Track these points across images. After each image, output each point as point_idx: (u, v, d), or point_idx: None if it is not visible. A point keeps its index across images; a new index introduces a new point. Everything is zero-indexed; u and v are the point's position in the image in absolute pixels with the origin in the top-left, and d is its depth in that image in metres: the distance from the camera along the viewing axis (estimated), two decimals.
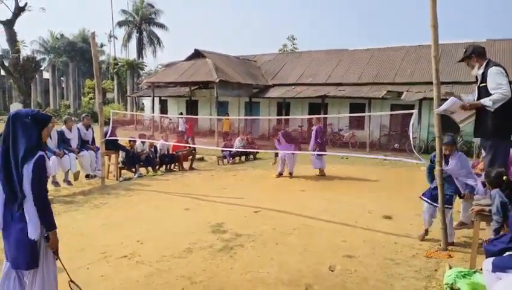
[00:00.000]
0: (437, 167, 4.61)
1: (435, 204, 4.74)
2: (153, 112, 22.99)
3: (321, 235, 5.18)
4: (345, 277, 3.88)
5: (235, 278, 3.84)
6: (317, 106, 18.37)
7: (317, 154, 9.50)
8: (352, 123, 18.68)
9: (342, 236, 5.11)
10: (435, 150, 4.66)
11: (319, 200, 7.25)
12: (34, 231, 2.52)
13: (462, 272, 3.46)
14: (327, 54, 22.41)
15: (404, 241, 4.94)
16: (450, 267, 3.82)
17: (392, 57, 19.91)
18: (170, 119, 23.45)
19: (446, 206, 4.63)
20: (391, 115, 17.23)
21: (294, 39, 37.18)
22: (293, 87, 20.09)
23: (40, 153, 2.56)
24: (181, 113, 21.06)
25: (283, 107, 19.72)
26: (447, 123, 4.71)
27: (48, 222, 2.58)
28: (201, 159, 12.71)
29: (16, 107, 26.68)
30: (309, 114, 19.00)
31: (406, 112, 7.07)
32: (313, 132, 9.74)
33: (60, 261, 2.78)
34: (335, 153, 12.70)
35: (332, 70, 20.45)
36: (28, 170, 2.49)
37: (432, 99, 4.98)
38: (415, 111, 5.84)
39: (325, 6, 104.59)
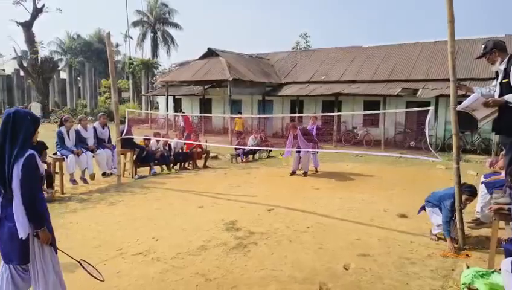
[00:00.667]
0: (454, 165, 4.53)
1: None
2: (167, 111, 23.21)
3: (335, 233, 5.16)
4: (360, 275, 3.86)
5: (249, 275, 3.86)
6: (331, 104, 18.23)
7: (314, 152, 9.80)
8: (366, 121, 18.47)
9: (357, 235, 5.07)
10: (452, 148, 4.58)
11: (333, 198, 7.21)
12: (21, 230, 2.54)
13: (480, 271, 3.39)
14: (341, 51, 22.21)
15: (420, 241, 4.87)
16: (468, 267, 3.75)
17: (408, 53, 19.60)
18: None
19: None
20: (406, 112, 16.97)
21: (307, 37, 37.02)
22: (307, 85, 19.98)
23: (30, 151, 2.60)
24: (179, 111, 21.22)
25: (296, 105, 19.63)
26: (464, 120, 4.62)
27: (35, 220, 2.58)
28: (215, 158, 12.77)
29: (34, 106, 27.30)
30: (322, 112, 18.88)
31: (422, 109, 6.95)
32: (313, 131, 9.86)
33: (61, 250, 2.83)
34: (349, 151, 12.60)
35: (346, 68, 20.26)
36: (17, 168, 2.51)
37: (448, 96, 4.86)
38: (431, 108, 5.73)
39: (338, 2, 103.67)
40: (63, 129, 7.91)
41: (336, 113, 15.85)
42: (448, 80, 4.69)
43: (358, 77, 19.12)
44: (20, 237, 2.53)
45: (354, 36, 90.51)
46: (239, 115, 18.42)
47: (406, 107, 16.21)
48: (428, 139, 6.73)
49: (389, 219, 5.84)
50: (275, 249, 4.55)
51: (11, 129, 2.57)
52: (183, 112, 21.11)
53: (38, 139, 7.73)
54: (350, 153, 12.20)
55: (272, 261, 4.20)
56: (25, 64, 27.13)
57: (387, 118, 16.87)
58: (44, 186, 6.79)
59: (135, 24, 41.60)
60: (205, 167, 11.07)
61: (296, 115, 18.28)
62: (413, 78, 17.63)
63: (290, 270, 3.97)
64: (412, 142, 15.96)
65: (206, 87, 21.82)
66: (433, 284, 3.68)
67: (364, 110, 17.98)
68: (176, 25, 42.49)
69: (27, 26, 27.95)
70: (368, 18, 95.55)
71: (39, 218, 2.61)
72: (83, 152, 7.99)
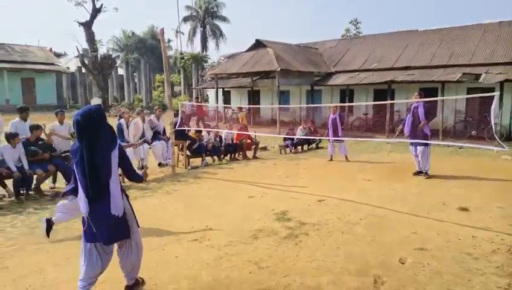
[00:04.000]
0: None
1: None
2: (217, 103, 23.71)
3: (390, 226, 5.00)
4: (417, 270, 3.72)
5: (301, 265, 3.88)
6: (383, 92, 17.49)
7: (339, 140, 10.30)
8: None
9: (413, 228, 4.88)
10: None
11: (386, 190, 6.98)
12: (116, 208, 2.95)
13: None
14: (394, 36, 21.17)
15: (483, 235, 4.58)
16: None
17: (468, 36, 18.21)
18: (233, 110, 24.04)
19: None
20: (467, 99, 15.83)
21: (357, 23, 35.69)
22: (357, 73, 19.35)
23: (117, 140, 3.09)
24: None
25: (346, 94, 19.11)
26: None
27: (137, 176, 3.47)
28: (264, 149, 12.87)
29: (95, 101, 29.24)
30: (374, 101, 18.19)
31: (485, 95, 6.43)
32: (337, 120, 10.26)
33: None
34: (402, 140, 12.07)
35: (400, 54, 19.29)
36: (115, 154, 2.95)
37: None
38: (496, 94, 5.31)
39: None
40: (123, 121, 8.40)
41: (388, 102, 15.23)
42: None
43: (414, 63, 18.14)
44: (116, 214, 2.94)
45: (409, 20, 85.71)
46: (242, 110, 17.02)
47: (467, 94, 15.15)
48: (494, 128, 6.26)
49: (449, 212, 5.54)
50: (327, 241, 4.52)
51: (95, 127, 2.86)
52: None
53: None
54: (404, 142, 11.67)
55: (323, 252, 4.18)
56: (86, 62, 29.04)
57: (446, 105, 15.88)
58: None
59: (185, 19, 42.71)
60: (254, 157, 11.21)
61: (346, 104, 17.78)
62: (474, 62, 16.38)
63: (343, 262, 3.93)
64: (473, 132, 14.91)
65: (254, 78, 21.95)
66: (499, 282, 3.45)
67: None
68: (224, 18, 43.02)
69: (87, 25, 29.79)
70: (424, 1, 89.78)
71: (137, 175, 3.45)
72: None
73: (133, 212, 3.25)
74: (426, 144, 7.67)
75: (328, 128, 10.64)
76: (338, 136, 10.22)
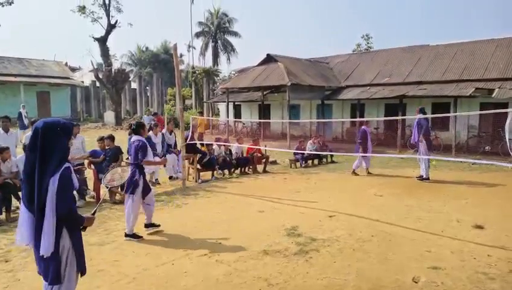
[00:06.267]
0: None
1: None
2: (228, 117, 23.84)
3: (402, 243, 4.90)
4: (430, 289, 3.63)
5: (312, 283, 3.82)
6: (394, 107, 17.39)
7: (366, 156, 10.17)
8: (435, 124, 17.31)
9: (426, 246, 4.77)
10: None
11: (399, 206, 6.87)
12: (43, 247, 2.42)
13: None
14: (405, 51, 21.15)
15: (499, 254, 4.45)
16: None
17: (481, 51, 18.08)
18: (243, 124, 24.15)
19: None
20: (481, 114, 15.62)
21: (369, 38, 35.78)
22: (368, 88, 19.31)
23: (67, 164, 2.49)
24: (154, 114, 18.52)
25: (357, 109, 19.04)
26: None
27: (75, 224, 2.58)
28: (274, 162, 12.84)
29: (109, 115, 29.68)
30: (385, 116, 18.07)
31: (500, 111, 6.34)
32: (368, 134, 10.38)
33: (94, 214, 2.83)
34: (414, 156, 11.92)
35: (412, 68, 19.22)
36: (53, 182, 2.39)
37: None
38: (511, 110, 5.23)
39: (401, 1, 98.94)
40: (151, 134, 8.49)
41: (400, 117, 15.11)
42: None
43: (425, 78, 18.05)
44: (40, 253, 2.43)
45: (420, 35, 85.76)
46: (200, 117, 16.91)
47: (480, 109, 14.97)
48: (508, 144, 6.15)
49: (463, 230, 5.42)
50: (338, 257, 4.45)
51: (41, 146, 2.43)
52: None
53: (115, 144, 8.22)
54: (416, 158, 11.53)
55: (334, 270, 4.11)
56: (100, 76, 29.63)
57: (458, 120, 15.69)
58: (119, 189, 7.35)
59: (198, 35, 43.46)
60: (265, 171, 11.18)
61: (357, 119, 17.70)
62: (487, 77, 16.22)
63: (355, 280, 3.85)
64: (487, 147, 14.65)
65: (265, 93, 22.08)
66: None
67: (433, 112, 16.84)
68: (235, 34, 43.65)
69: (102, 41, 30.52)
70: (435, 15, 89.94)
71: (77, 221, 2.59)
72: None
73: (79, 257, 2.62)
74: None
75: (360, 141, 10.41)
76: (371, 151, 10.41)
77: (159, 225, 5.56)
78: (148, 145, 5.39)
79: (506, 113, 5.20)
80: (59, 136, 2.50)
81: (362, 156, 10.04)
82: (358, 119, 17.58)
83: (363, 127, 10.51)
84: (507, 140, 6.04)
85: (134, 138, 5.42)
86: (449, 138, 15.58)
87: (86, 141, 8.29)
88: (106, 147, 7.70)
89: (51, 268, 2.50)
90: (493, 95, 14.50)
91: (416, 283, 3.78)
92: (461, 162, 11.69)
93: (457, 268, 4.10)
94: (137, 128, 5.50)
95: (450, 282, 3.76)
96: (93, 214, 2.82)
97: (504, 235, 5.12)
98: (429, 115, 16.84)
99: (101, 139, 7.86)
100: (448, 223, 5.77)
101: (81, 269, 2.67)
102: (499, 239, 4.97)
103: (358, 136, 10.56)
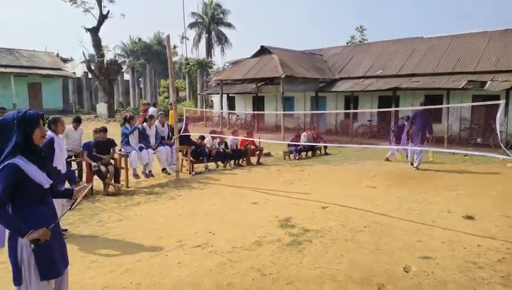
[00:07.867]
0: None
1: None
2: (221, 109, 23.78)
3: (394, 234, 4.97)
4: (421, 278, 3.69)
5: (304, 272, 3.86)
6: (388, 99, 17.48)
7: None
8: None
9: (417, 236, 4.84)
10: None
11: (391, 197, 6.94)
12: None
13: None
14: (399, 43, 21.17)
15: (488, 244, 4.54)
16: None
17: (474, 43, 18.16)
18: (237, 116, 24.10)
19: None
20: (473, 107, 15.75)
21: (363, 30, 35.76)
22: (362, 80, 19.35)
23: (10, 161, 2.28)
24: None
25: (351, 101, 19.09)
26: None
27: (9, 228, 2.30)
28: (268, 155, 12.86)
29: (101, 107, 29.41)
30: (379, 108, 18.15)
31: (491, 103, 6.41)
32: (405, 129, 10.59)
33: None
34: (407, 147, 12.00)
35: (405, 61, 19.28)
36: None
37: None
38: (502, 102, 5.29)
39: None
40: (129, 126, 8.46)
41: (393, 109, 15.18)
42: None
43: (419, 70, 18.12)
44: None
45: (414, 28, 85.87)
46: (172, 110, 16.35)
47: (472, 101, 15.08)
48: (499, 136, 6.22)
49: (454, 220, 5.50)
50: (330, 248, 4.50)
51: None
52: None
53: (108, 136, 8.15)
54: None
55: (327, 260, 4.16)
56: (92, 67, 29.28)
57: (451, 113, 15.81)
58: (112, 181, 7.34)
59: (191, 26, 43.04)
60: (258, 163, 11.20)
61: (351, 111, 17.76)
62: (480, 70, 16.33)
63: (347, 269, 3.90)
64: (479, 139, 14.81)
65: (259, 84, 22.02)
66: None
67: (425, 105, 16.95)
68: (229, 25, 43.30)
69: (94, 31, 30.10)
70: (429, 7, 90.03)
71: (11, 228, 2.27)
72: (145, 148, 8.51)
73: (41, 261, 2.35)
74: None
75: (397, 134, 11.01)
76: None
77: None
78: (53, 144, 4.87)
79: (498, 105, 5.24)
80: (12, 128, 2.33)
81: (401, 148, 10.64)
82: (352, 110, 17.66)
83: (404, 122, 10.96)
84: (498, 132, 6.11)
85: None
86: (441, 130, 15.71)
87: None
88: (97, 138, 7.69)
89: (11, 265, 2.35)
90: (485, 88, 14.62)
91: (407, 272, 3.84)
92: (453, 153, 11.82)
93: (448, 258, 4.17)
94: (49, 124, 4.95)
95: (440, 271, 3.83)
96: (70, 209, 2.67)
97: (494, 226, 5.21)
98: (421, 107, 16.98)
99: (98, 131, 7.85)
100: (440, 214, 5.85)
101: (45, 278, 2.36)
102: (489, 229, 5.05)
103: (395, 127, 11.18)
